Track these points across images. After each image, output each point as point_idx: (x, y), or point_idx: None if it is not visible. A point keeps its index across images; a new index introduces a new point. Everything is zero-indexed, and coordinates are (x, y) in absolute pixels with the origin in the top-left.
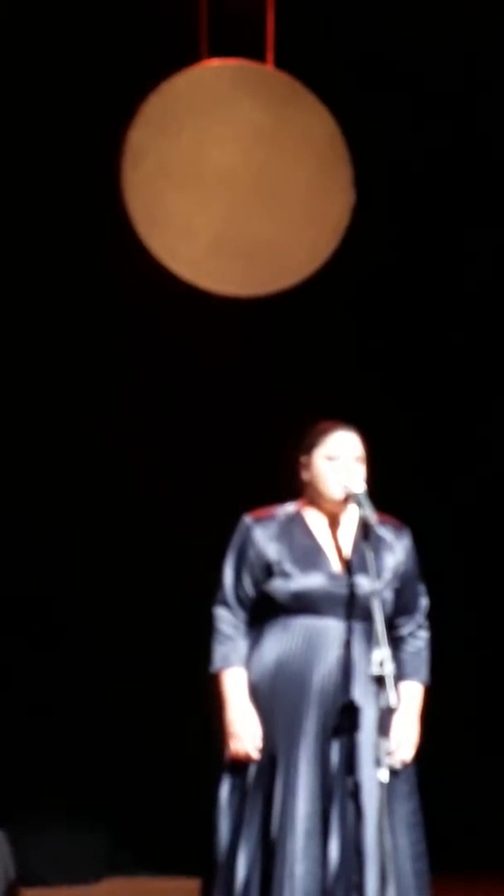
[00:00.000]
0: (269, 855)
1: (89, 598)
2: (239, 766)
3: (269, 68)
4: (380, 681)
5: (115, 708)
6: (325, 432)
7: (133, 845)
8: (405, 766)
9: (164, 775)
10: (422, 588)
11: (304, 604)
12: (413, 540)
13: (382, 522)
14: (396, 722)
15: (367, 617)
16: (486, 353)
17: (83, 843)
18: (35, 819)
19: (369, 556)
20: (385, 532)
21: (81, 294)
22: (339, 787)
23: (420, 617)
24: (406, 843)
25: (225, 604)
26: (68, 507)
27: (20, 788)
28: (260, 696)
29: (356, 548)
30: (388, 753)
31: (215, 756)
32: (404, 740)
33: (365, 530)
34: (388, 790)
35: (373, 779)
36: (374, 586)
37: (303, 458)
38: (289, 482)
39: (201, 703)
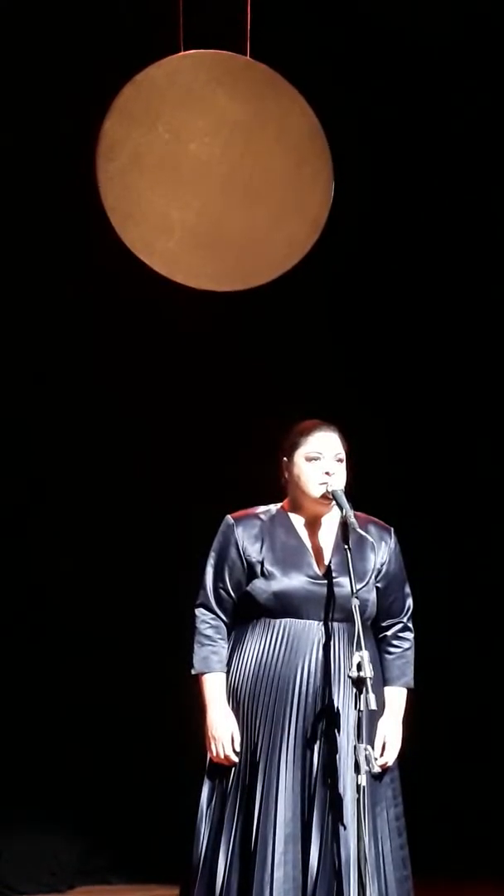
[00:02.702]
0: (250, 859)
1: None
2: (220, 769)
3: (246, 59)
4: (359, 684)
5: (87, 713)
6: (305, 432)
7: (105, 852)
8: (389, 770)
9: (137, 781)
10: (407, 589)
11: (285, 605)
12: (398, 541)
13: (367, 523)
14: (380, 726)
15: (349, 618)
16: (466, 349)
17: (54, 851)
18: (4, 827)
19: (349, 556)
20: (369, 532)
21: (57, 286)
22: (320, 791)
23: (405, 618)
24: (390, 848)
25: (205, 605)
26: (57, 506)
27: None
28: (241, 698)
29: (337, 549)
30: (368, 758)
31: (197, 760)
32: (387, 744)
33: (345, 531)
34: (373, 795)
35: (353, 783)
36: (354, 587)
37: (284, 459)
38: (273, 482)
39: (175, 707)
